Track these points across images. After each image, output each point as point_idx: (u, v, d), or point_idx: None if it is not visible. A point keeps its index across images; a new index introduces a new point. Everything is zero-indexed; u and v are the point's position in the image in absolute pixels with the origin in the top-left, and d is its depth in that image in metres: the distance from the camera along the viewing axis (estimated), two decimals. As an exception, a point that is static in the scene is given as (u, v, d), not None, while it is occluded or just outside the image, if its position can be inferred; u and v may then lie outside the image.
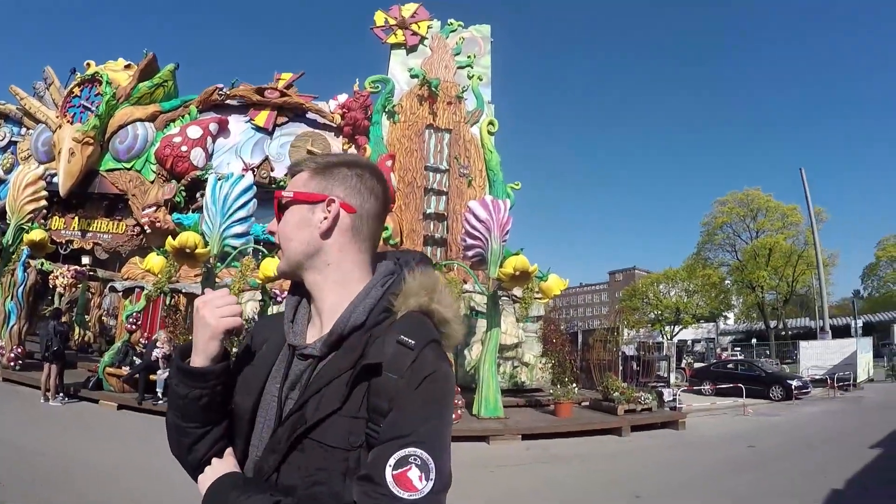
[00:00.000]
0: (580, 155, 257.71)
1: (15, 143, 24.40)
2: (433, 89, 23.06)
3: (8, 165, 23.88)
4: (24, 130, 24.24)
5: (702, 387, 25.03)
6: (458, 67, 24.29)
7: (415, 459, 1.15)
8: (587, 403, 16.70)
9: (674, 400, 16.86)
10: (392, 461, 1.14)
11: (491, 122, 21.62)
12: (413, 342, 1.26)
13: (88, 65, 23.17)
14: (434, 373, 1.25)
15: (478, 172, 22.64)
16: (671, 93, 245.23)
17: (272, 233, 1.43)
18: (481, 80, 24.10)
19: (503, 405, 14.21)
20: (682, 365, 33.34)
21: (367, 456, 1.20)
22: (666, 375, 24.32)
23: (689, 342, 56.77)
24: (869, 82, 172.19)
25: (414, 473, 1.14)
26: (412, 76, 23.51)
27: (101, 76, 22.08)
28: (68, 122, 21.53)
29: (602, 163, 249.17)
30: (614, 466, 10.62)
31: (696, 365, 34.43)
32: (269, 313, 17.22)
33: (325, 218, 1.38)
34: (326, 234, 1.38)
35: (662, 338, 54.18)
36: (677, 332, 60.92)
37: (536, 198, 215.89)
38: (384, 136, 22.61)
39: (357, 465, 1.20)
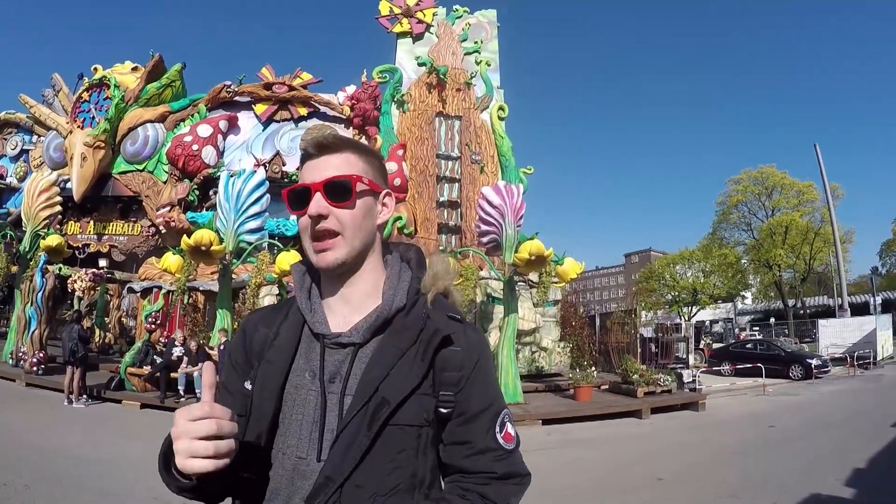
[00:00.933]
0: (592, 137, 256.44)
1: (27, 151, 24.70)
2: (441, 77, 23.02)
3: (21, 174, 24.16)
4: (35, 138, 24.54)
5: (721, 367, 24.92)
6: (466, 54, 24.28)
7: (506, 417, 1.36)
8: (606, 387, 16.74)
9: (693, 381, 16.83)
10: (497, 427, 1.32)
11: (501, 108, 21.61)
12: (459, 317, 1.38)
13: (95, 69, 23.36)
14: (484, 342, 1.41)
15: (489, 158, 22.68)
16: (682, 72, 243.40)
17: (323, 215, 1.31)
18: (489, 65, 24.07)
19: (523, 390, 14.26)
20: (701, 346, 33.23)
21: (450, 429, 1.31)
22: (685, 357, 24.23)
23: (707, 323, 56.60)
24: (882, 56, 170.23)
25: (510, 428, 1.35)
26: (420, 64, 23.52)
27: (108, 80, 22.25)
28: (79, 127, 21.74)
29: (614, 144, 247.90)
30: (635, 449, 10.61)
31: (715, 345, 34.42)
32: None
33: (382, 210, 1.43)
34: (382, 226, 1.43)
35: (680, 319, 53.95)
36: (695, 313, 60.66)
37: (549, 181, 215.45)
38: (394, 125, 22.69)
39: (427, 441, 1.28)
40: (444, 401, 1.29)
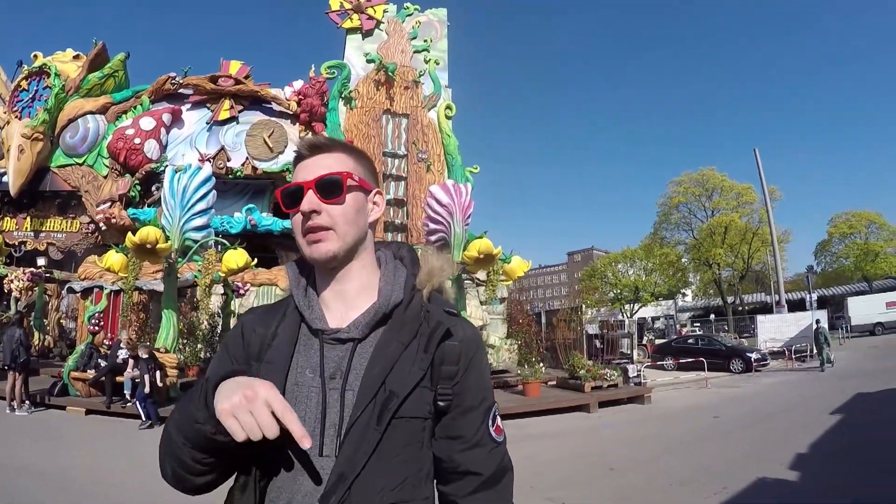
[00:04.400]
0: (534, 137, 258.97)
1: (-39, 142, 23.65)
2: (390, 74, 23.00)
3: (-46, 166, 23.16)
4: (-31, 129, 23.50)
5: (664, 362, 25.48)
6: (415, 52, 24.30)
7: (496, 410, 1.43)
8: (554, 382, 16.95)
9: (638, 375, 17.13)
10: (489, 421, 1.39)
11: (448, 107, 21.67)
12: (455, 312, 1.44)
13: (35, 56, 22.60)
14: (479, 337, 1.45)
15: (436, 157, 22.77)
16: (624, 74, 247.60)
17: (315, 211, 1.34)
18: (438, 64, 24.18)
19: (472, 387, 14.23)
20: (644, 342, 33.88)
21: (445, 422, 1.36)
22: (629, 352, 24.67)
23: (649, 319, 57.69)
24: (820, 65, 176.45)
25: (499, 421, 1.43)
26: (368, 61, 23.44)
27: (49, 68, 21.55)
28: (16, 117, 20.97)
29: (558, 144, 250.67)
30: (586, 441, 10.81)
31: (658, 341, 35.08)
32: (231, 307, 17.04)
33: (373, 208, 1.47)
34: (373, 224, 1.47)
35: (623, 316, 55.02)
36: (637, 311, 61.86)
37: (493, 180, 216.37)
38: (341, 122, 22.58)
39: (429, 434, 1.34)
40: (443, 394, 1.33)
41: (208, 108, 22.90)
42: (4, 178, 20.22)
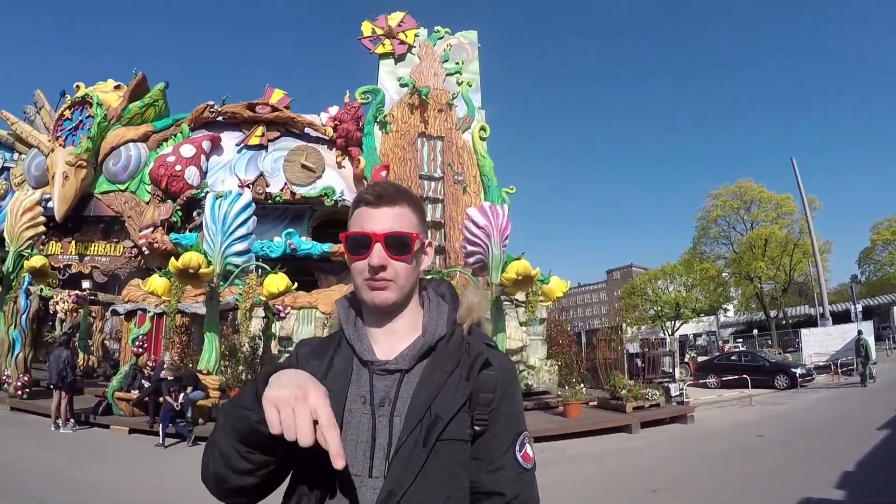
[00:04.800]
0: (571, 155, 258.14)
1: (8, 168, 24.34)
2: (423, 97, 23.20)
3: (1, 192, 23.81)
4: (16, 156, 24.19)
5: (707, 380, 25.00)
6: (447, 74, 24.47)
7: (525, 438, 1.46)
8: (595, 403, 16.75)
9: (680, 394, 16.89)
10: (517, 447, 1.42)
11: (482, 128, 21.79)
12: (493, 344, 1.51)
13: (78, 87, 23.21)
14: (515, 369, 1.53)
15: (472, 178, 22.82)
16: (660, 89, 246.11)
17: (383, 267, 1.42)
18: (470, 85, 24.32)
19: (512, 409, 14.15)
20: (686, 359, 33.37)
21: (476, 444, 1.39)
22: (671, 371, 24.32)
23: (691, 336, 56.86)
24: (855, 71, 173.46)
25: (528, 449, 1.46)
26: (402, 85, 23.67)
27: (91, 98, 22.15)
28: (60, 145, 21.56)
29: (594, 162, 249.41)
30: (628, 463, 10.65)
31: (700, 359, 34.52)
32: (272, 330, 17.21)
33: (424, 258, 1.56)
34: (424, 272, 1.57)
35: (664, 333, 54.22)
36: (678, 327, 60.98)
37: (530, 200, 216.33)
38: (377, 146, 22.77)
39: (467, 455, 1.38)
40: (479, 419, 1.39)
41: (242, 132, 23.27)
42: (50, 204, 20.71)
